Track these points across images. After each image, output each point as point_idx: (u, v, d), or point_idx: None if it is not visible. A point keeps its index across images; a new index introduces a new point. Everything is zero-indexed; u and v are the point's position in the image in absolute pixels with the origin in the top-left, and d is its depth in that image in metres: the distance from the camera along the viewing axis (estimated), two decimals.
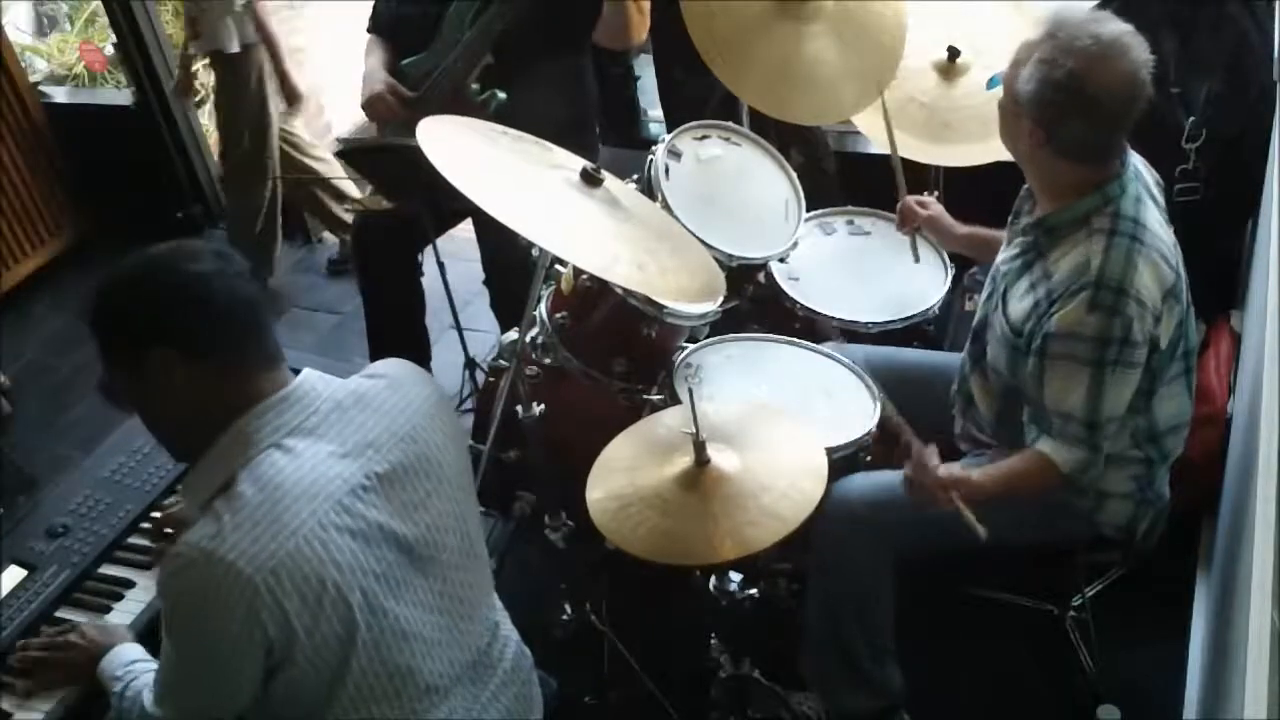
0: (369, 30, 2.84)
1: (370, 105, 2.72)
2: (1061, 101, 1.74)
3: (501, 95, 2.56)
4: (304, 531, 1.36)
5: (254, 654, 1.35)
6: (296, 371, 1.52)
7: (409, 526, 1.48)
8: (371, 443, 1.47)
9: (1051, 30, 1.75)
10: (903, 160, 2.56)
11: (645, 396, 2.29)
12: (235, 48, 3.53)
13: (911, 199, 2.41)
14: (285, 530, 1.35)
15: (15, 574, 1.92)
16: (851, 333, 2.40)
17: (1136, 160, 1.90)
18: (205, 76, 4.56)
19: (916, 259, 2.48)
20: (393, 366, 1.62)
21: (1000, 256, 2.02)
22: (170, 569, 1.38)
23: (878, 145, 2.70)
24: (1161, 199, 1.94)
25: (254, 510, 1.35)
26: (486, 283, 3.05)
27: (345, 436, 1.46)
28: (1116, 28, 1.74)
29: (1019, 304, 1.89)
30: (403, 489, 1.48)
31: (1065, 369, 1.80)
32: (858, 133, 2.88)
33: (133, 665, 1.65)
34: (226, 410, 1.42)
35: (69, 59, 4.93)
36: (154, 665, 1.63)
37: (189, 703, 1.46)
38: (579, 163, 1.96)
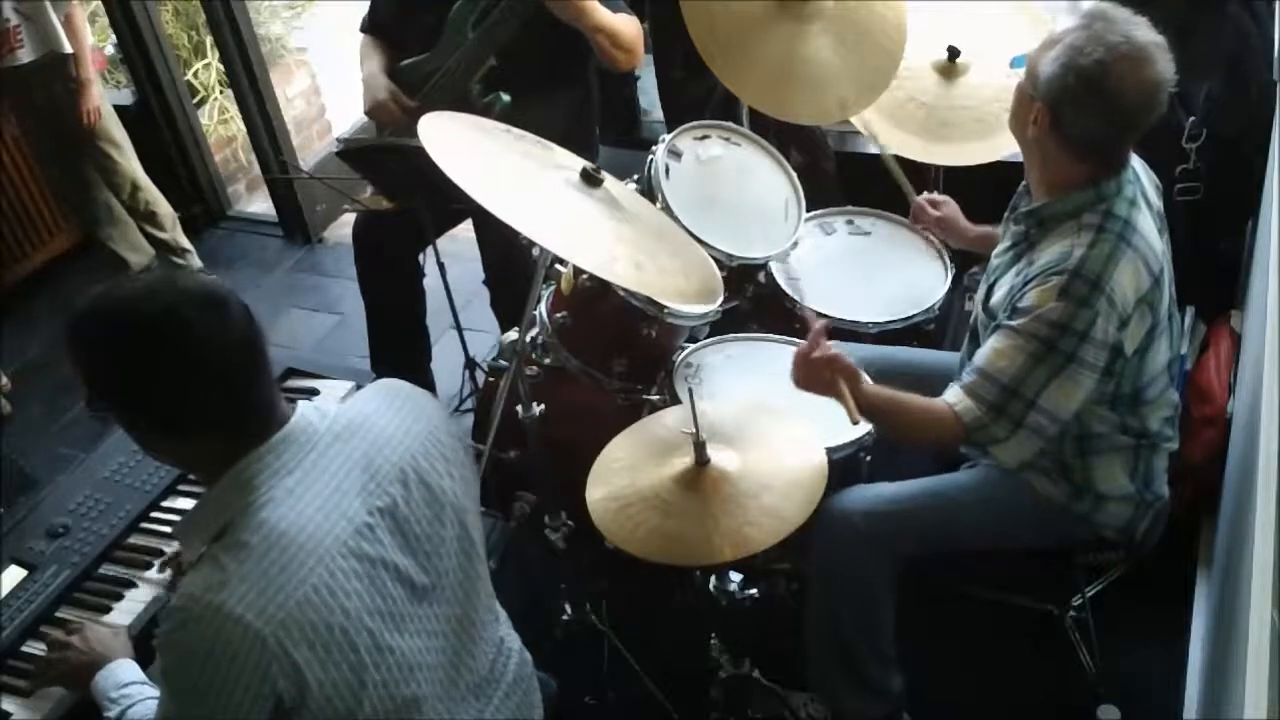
0: (363, 30, 2.83)
1: (374, 112, 2.72)
2: (1079, 89, 1.74)
3: (506, 98, 2.55)
4: (311, 580, 1.32)
5: (262, 707, 1.31)
6: (291, 398, 1.47)
7: (410, 559, 1.45)
8: (373, 477, 1.43)
9: (1089, 21, 1.76)
10: (903, 160, 2.56)
11: (645, 396, 2.29)
12: (67, 48, 3.48)
13: (923, 199, 2.42)
14: (293, 580, 1.31)
15: (15, 574, 1.93)
16: (852, 333, 2.40)
17: (1136, 163, 1.91)
18: (205, 75, 4.58)
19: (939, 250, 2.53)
20: (391, 390, 1.58)
21: (995, 249, 2.02)
22: (174, 623, 1.32)
23: (878, 145, 2.70)
24: (1160, 203, 1.94)
25: (260, 559, 1.31)
26: (486, 283, 3.05)
27: (346, 472, 1.41)
28: (1151, 36, 1.75)
29: (999, 292, 1.90)
30: (404, 521, 1.45)
31: (1014, 338, 1.80)
32: (858, 133, 2.88)
33: (128, 689, 1.62)
34: (219, 462, 1.38)
35: None
36: (150, 690, 1.61)
37: None
38: (579, 162, 1.96)
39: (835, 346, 2.28)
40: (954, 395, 1.86)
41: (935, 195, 2.48)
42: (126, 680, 1.64)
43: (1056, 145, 1.82)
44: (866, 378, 1.89)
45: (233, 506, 1.36)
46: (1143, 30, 1.75)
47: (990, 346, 1.84)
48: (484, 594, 1.61)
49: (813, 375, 1.87)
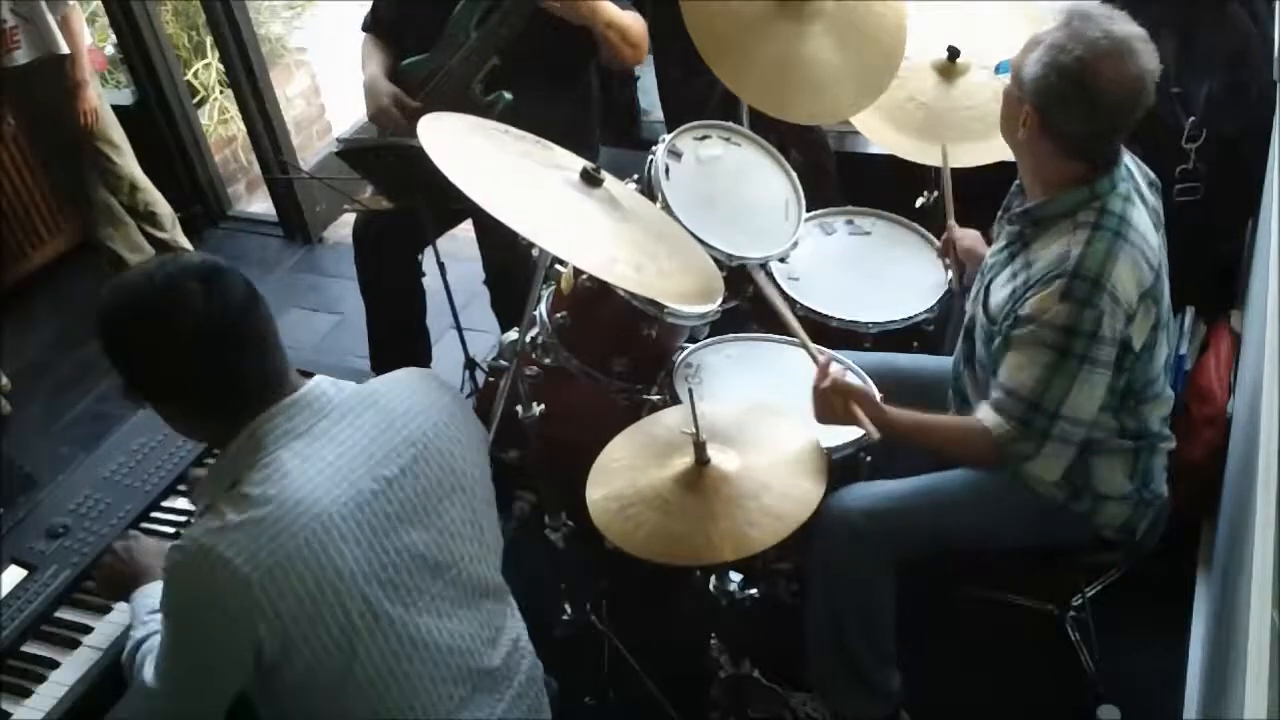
0: (364, 29, 2.83)
1: (377, 118, 2.72)
2: (1063, 89, 1.75)
3: (508, 97, 2.56)
4: (304, 535, 1.36)
5: (241, 650, 1.36)
6: (307, 375, 1.52)
7: (420, 532, 1.47)
8: (382, 447, 1.46)
9: (1067, 19, 1.76)
10: (902, 160, 2.56)
11: (645, 396, 2.29)
12: (64, 49, 3.49)
13: (956, 230, 2.38)
14: (285, 532, 1.36)
15: (15, 574, 1.93)
16: (851, 333, 2.40)
17: (1129, 159, 1.90)
18: (205, 75, 4.58)
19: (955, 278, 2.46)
20: (409, 374, 1.62)
21: (989, 250, 2.02)
22: (171, 559, 1.40)
23: (878, 145, 2.70)
24: (1154, 199, 1.94)
25: (257, 510, 1.36)
26: (487, 283, 3.05)
27: (355, 441, 1.45)
28: (1131, 29, 1.75)
29: (998, 294, 1.90)
30: (414, 494, 1.47)
31: (1026, 349, 1.80)
32: (858, 133, 2.88)
33: (155, 615, 1.65)
34: (238, 422, 1.44)
35: None
36: None
37: (178, 685, 1.47)
38: (579, 163, 1.96)
39: (836, 351, 2.29)
40: (984, 411, 1.87)
41: (963, 229, 2.43)
42: (156, 606, 1.67)
43: (1047, 145, 1.82)
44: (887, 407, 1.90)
45: (241, 463, 1.41)
46: (1121, 24, 1.75)
47: (1008, 361, 1.84)
48: (499, 583, 1.63)
49: (826, 407, 1.90)
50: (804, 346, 2.03)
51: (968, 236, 2.37)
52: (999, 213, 2.05)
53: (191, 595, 1.38)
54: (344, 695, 1.43)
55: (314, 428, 1.44)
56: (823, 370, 1.92)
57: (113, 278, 1.48)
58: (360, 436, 1.46)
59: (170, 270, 1.42)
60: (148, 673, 1.53)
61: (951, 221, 2.40)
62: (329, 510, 1.39)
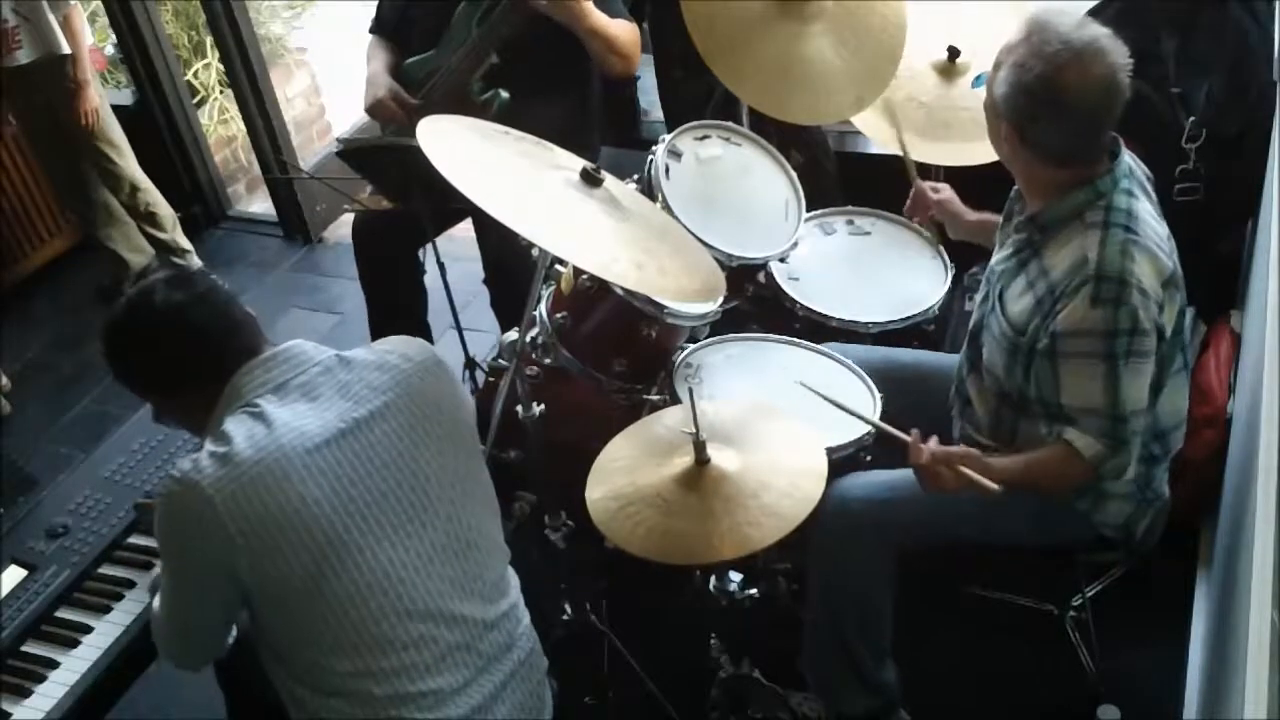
0: (371, 31, 2.84)
1: (374, 110, 2.73)
2: (1031, 105, 1.74)
3: (504, 95, 2.56)
4: (267, 462, 1.47)
5: (215, 567, 1.48)
6: None
7: (393, 472, 1.55)
8: (355, 394, 1.56)
9: (1027, 33, 1.75)
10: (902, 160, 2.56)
11: (645, 396, 2.29)
12: (65, 49, 3.49)
13: (925, 184, 2.41)
14: (249, 461, 1.47)
15: (15, 574, 1.93)
16: (851, 333, 2.40)
17: (1128, 156, 1.90)
18: (205, 75, 4.58)
19: (933, 244, 2.52)
20: (392, 338, 1.71)
21: (995, 258, 2.01)
22: (158, 489, 1.53)
23: (878, 145, 2.70)
24: (1153, 194, 1.93)
25: (227, 444, 1.48)
26: (486, 283, 3.05)
27: (329, 389, 1.55)
28: (1090, 32, 1.73)
29: (1018, 303, 1.89)
30: (384, 436, 1.56)
31: (1079, 366, 1.79)
32: (858, 133, 2.88)
33: None
34: (223, 386, 1.58)
35: None
36: None
37: (170, 604, 1.60)
38: (579, 163, 1.96)
39: (834, 348, 2.30)
40: (1073, 435, 1.83)
41: (934, 183, 2.46)
42: None
43: (1032, 159, 1.82)
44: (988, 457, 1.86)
45: (224, 410, 1.55)
46: (1080, 28, 1.73)
47: (1068, 383, 1.81)
48: (492, 538, 1.69)
49: (935, 480, 1.84)
50: (881, 429, 1.96)
51: (943, 190, 2.36)
52: (1001, 220, 2.05)
53: (169, 517, 1.51)
54: (318, 624, 1.49)
55: (291, 380, 1.56)
56: (915, 447, 1.85)
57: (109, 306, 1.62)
58: (337, 388, 1.56)
59: (139, 284, 1.60)
60: (156, 601, 1.64)
61: (915, 177, 2.40)
62: (294, 443, 1.49)
